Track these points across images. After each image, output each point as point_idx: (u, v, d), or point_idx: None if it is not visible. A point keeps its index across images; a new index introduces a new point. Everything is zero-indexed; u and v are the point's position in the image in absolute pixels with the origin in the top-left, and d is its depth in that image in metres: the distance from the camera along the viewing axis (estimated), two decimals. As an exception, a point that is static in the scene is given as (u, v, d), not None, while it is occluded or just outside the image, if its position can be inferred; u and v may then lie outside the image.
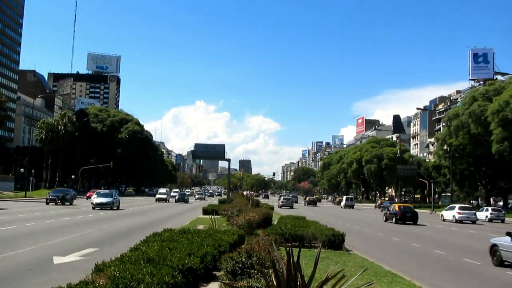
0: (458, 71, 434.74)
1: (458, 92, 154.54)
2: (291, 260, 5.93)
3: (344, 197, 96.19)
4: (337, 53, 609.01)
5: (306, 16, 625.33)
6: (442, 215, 51.77)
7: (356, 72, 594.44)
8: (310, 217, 29.57)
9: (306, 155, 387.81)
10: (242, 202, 37.47)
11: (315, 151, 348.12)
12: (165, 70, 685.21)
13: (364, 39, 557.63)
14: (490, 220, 51.00)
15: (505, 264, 16.88)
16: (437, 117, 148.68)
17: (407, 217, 41.07)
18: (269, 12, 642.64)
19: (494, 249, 17.82)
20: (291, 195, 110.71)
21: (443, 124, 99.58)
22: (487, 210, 54.65)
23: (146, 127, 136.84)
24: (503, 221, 50.66)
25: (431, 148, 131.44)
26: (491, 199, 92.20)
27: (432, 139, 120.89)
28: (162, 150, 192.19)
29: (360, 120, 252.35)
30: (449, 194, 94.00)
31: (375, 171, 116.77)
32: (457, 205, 52.92)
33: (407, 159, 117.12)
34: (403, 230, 34.33)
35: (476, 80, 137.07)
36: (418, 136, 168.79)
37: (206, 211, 36.76)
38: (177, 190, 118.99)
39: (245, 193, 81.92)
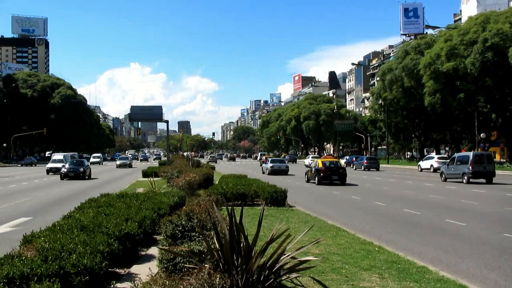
0: (390, 27, 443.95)
1: (390, 47, 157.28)
2: (233, 221, 5.59)
3: (259, 154, 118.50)
4: (271, 11, 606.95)
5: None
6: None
7: (290, 30, 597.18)
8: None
9: (245, 114, 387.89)
10: (183, 163, 37.02)
11: (254, 109, 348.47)
12: (96, 32, 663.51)
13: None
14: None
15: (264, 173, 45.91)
16: (371, 72, 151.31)
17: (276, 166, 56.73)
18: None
19: (262, 167, 51.33)
20: (216, 154, 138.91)
21: (377, 78, 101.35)
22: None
23: (80, 91, 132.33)
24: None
25: (367, 102, 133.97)
26: (425, 150, 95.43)
27: (367, 94, 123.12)
28: (98, 114, 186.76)
29: (296, 78, 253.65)
30: (385, 147, 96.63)
31: (313, 127, 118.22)
32: (309, 155, 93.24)
33: (343, 114, 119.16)
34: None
35: (407, 35, 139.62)
36: (354, 92, 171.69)
37: (146, 174, 35.98)
38: (98, 155, 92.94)
39: (185, 154, 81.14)
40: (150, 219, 9.99)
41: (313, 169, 34.50)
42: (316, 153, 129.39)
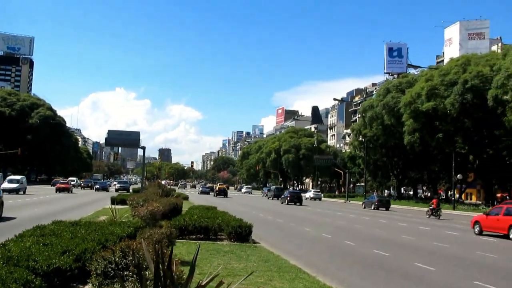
0: (375, 65, 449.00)
1: (373, 84, 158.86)
2: (160, 265, 4.82)
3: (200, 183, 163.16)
4: (259, 44, 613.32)
5: (228, 5, 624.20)
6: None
7: (277, 63, 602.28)
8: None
9: (227, 144, 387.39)
10: (154, 192, 35.97)
11: (236, 140, 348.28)
12: (83, 55, 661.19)
13: (286, 31, 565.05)
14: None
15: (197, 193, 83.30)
16: (354, 108, 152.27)
17: (204, 189, 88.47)
18: (190, 2, 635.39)
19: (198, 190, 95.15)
20: (183, 182, 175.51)
21: (359, 115, 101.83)
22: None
23: (63, 113, 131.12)
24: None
25: (347, 139, 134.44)
26: (402, 189, 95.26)
27: (348, 130, 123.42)
28: (77, 137, 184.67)
29: (280, 111, 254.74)
30: (363, 184, 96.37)
31: (293, 161, 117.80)
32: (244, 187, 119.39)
33: (324, 149, 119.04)
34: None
35: (390, 74, 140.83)
36: (335, 127, 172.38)
37: (114, 201, 34.86)
38: (17, 178, 57.25)
39: (163, 182, 79.48)
40: (91, 252, 9.14)
41: (214, 190, 79.09)
42: (293, 188, 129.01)
